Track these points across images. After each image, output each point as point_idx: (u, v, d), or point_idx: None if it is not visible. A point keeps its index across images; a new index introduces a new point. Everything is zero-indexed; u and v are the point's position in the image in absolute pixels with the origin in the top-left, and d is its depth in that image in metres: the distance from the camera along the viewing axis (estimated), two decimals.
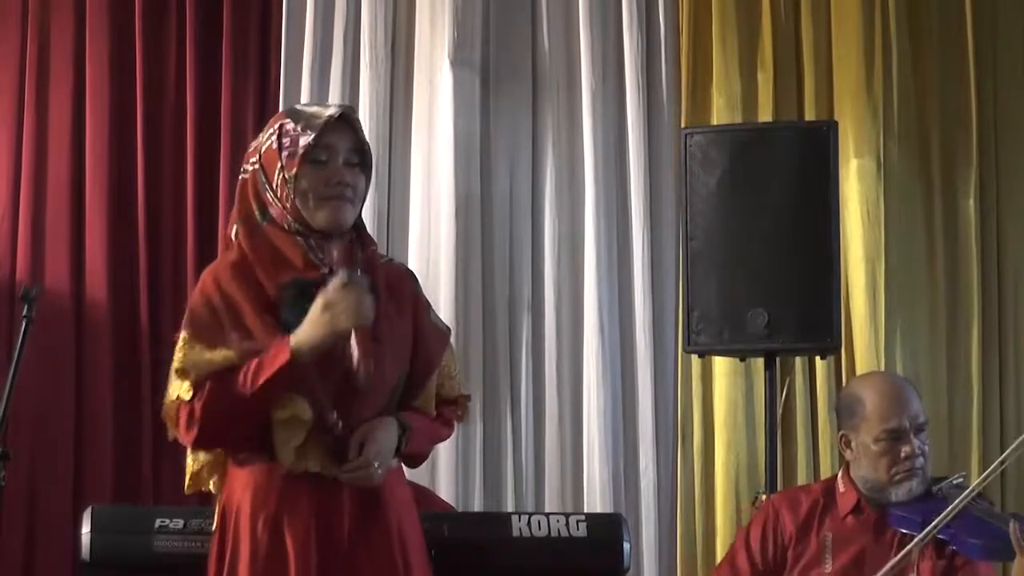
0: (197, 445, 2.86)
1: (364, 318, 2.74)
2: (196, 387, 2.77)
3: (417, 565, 2.87)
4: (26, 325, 3.71)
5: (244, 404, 2.73)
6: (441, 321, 3.06)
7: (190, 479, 2.96)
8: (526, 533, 3.54)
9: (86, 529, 3.46)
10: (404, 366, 2.90)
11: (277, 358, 2.72)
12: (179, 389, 2.80)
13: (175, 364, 2.80)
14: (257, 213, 2.87)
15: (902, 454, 3.48)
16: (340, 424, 2.77)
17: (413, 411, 2.92)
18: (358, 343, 2.73)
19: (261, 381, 2.71)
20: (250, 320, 2.78)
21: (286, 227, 2.84)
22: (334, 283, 2.74)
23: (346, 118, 2.88)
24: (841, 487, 3.60)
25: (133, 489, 5.06)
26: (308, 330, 2.73)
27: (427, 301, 3.02)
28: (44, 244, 5.22)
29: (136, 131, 5.26)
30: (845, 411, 3.63)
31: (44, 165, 5.26)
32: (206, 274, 2.90)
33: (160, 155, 5.29)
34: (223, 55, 5.29)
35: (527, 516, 3.58)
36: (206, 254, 5.21)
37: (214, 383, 2.75)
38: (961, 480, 3.53)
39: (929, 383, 4.85)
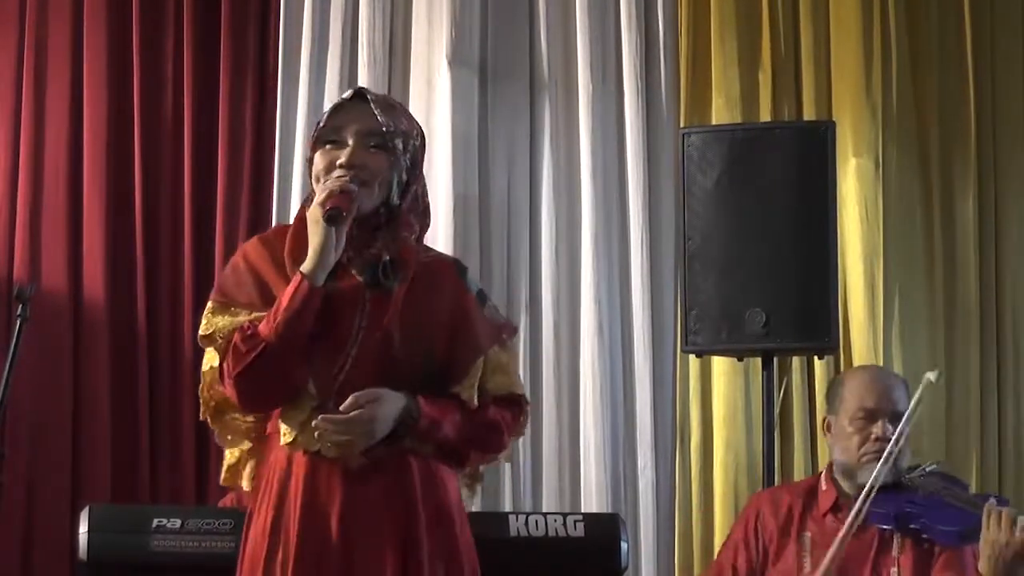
0: (243, 403, 2.78)
1: (339, 189, 2.73)
2: (223, 350, 2.75)
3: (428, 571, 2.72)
4: (20, 324, 3.72)
5: (272, 348, 2.70)
6: (501, 316, 3.02)
7: (226, 471, 2.91)
8: (523, 533, 3.54)
9: (83, 528, 3.45)
10: (424, 352, 2.81)
11: (291, 286, 2.71)
12: (208, 359, 2.80)
13: (200, 331, 2.79)
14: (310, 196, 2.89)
15: (872, 435, 3.53)
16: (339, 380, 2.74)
17: (451, 398, 2.81)
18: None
19: (282, 314, 2.69)
20: (272, 284, 2.78)
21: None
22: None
23: (362, 99, 2.85)
24: (823, 485, 3.65)
25: (131, 488, 5.06)
26: (309, 249, 2.73)
27: (480, 294, 2.98)
28: (41, 243, 5.21)
29: (134, 129, 5.26)
30: (830, 396, 3.72)
31: (41, 163, 5.25)
32: (240, 248, 2.92)
33: (158, 153, 5.28)
34: (221, 53, 5.30)
35: (524, 516, 3.59)
36: (204, 252, 5.22)
37: (239, 334, 2.73)
38: (935, 467, 3.56)
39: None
